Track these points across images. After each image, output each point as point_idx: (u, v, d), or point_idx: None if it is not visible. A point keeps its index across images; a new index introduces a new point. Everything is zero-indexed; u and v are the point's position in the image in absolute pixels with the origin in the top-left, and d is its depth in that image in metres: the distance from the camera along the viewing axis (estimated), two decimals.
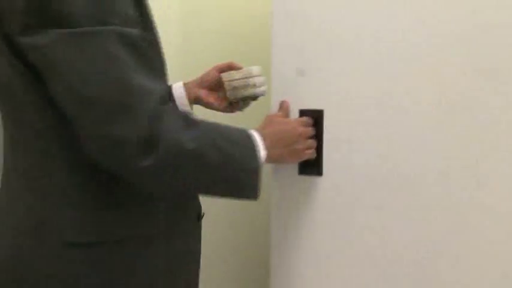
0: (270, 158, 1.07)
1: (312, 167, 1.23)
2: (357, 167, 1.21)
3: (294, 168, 1.24)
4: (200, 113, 1.24)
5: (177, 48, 1.63)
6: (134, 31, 0.89)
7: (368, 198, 1.20)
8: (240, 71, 1.25)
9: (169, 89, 1.02)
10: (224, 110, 1.30)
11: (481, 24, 1.08)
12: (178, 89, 1.27)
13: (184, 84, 1.29)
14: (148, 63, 0.91)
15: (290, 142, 1.15)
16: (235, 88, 1.24)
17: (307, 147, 1.18)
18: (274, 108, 1.24)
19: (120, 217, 0.97)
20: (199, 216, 1.14)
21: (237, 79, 1.24)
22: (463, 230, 1.11)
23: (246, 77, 1.23)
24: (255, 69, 1.23)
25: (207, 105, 1.30)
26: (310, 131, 1.20)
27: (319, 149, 1.22)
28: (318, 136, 1.22)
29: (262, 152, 1.04)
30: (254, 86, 1.23)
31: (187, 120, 0.94)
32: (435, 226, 1.14)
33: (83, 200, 0.95)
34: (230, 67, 1.27)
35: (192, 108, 1.30)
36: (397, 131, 1.18)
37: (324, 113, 1.21)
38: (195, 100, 1.30)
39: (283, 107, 1.23)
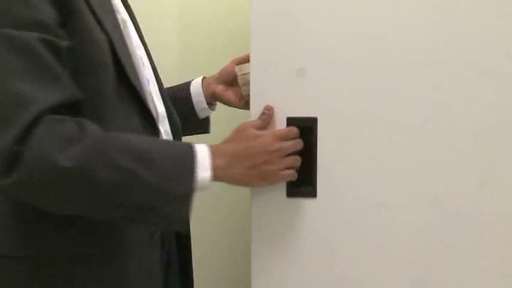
0: (228, 179, 0.93)
1: (304, 187, 1.01)
2: (356, 186, 1.01)
3: (281, 188, 1.01)
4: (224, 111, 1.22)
5: (174, 47, 1.55)
6: (30, 34, 0.82)
7: (369, 225, 1.01)
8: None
9: (76, 96, 0.87)
10: (244, 108, 1.16)
11: (480, 27, 0.99)
12: (195, 86, 1.20)
13: (204, 79, 1.21)
14: (43, 70, 0.82)
15: (258, 161, 0.94)
16: (245, 83, 1.07)
17: (283, 167, 0.96)
18: (254, 116, 1.01)
19: (52, 233, 0.91)
20: (153, 236, 0.99)
21: (246, 73, 1.06)
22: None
23: None
24: None
25: (225, 102, 1.21)
26: (292, 145, 0.97)
27: (311, 166, 1.00)
28: (310, 150, 1.00)
29: (204, 174, 0.88)
30: None
31: (72, 135, 0.82)
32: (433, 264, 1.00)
33: (16, 212, 0.91)
34: (246, 59, 1.10)
35: (212, 106, 1.25)
36: (403, 140, 1.00)
37: (317, 122, 1.00)
38: (212, 97, 1.22)
39: (264, 115, 1.00)
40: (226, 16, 1.57)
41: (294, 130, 0.99)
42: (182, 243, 1.14)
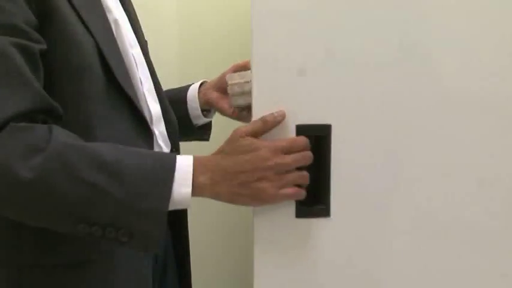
0: (214, 197, 0.83)
1: (315, 205, 0.87)
2: (375, 204, 0.88)
3: (289, 207, 0.87)
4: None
5: (175, 50, 1.54)
6: (0, 39, 0.78)
7: (391, 248, 0.88)
8: (242, 73, 1.01)
9: (47, 102, 0.81)
10: (238, 119, 1.10)
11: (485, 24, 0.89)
12: (192, 91, 1.16)
13: (202, 84, 1.17)
14: (12, 76, 0.78)
15: (251, 178, 0.81)
16: (233, 94, 1.01)
17: (282, 184, 0.82)
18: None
19: (33, 241, 0.87)
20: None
21: (235, 83, 1.01)
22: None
23: (243, 82, 0.99)
24: (250, 73, 0.91)
25: (219, 111, 1.15)
26: (296, 159, 0.83)
27: (324, 181, 0.87)
28: (323, 162, 0.86)
29: (183, 189, 0.80)
30: (248, 93, 0.90)
31: (36, 144, 0.77)
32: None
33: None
34: (246, 67, 1.06)
35: (208, 114, 1.20)
36: (428, 151, 0.88)
37: (331, 130, 0.86)
38: (207, 104, 1.17)
39: (265, 118, 0.84)
40: (226, 12, 1.55)
41: (301, 140, 0.84)
42: (179, 241, 1.09)
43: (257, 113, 0.85)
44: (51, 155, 0.76)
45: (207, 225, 1.53)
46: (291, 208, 0.87)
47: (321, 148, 0.86)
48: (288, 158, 0.82)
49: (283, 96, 0.85)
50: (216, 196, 0.83)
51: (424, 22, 0.87)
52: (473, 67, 0.89)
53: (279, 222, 0.87)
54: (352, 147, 0.87)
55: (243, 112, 1.11)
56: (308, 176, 0.84)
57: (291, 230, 0.88)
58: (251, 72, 0.86)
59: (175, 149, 1.07)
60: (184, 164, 0.81)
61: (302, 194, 0.84)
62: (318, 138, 0.86)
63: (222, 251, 1.61)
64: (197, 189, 0.81)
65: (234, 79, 1.06)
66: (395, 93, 0.87)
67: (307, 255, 0.88)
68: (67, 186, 0.77)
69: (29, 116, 0.78)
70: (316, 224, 0.88)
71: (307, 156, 0.84)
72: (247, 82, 1.02)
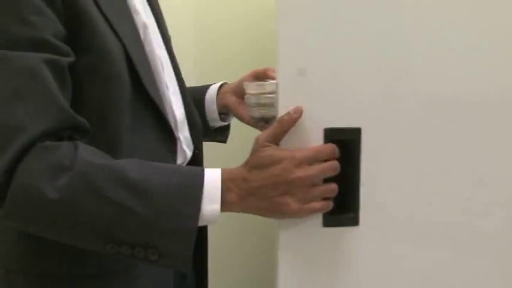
0: (242, 211, 0.80)
1: (344, 213, 0.83)
2: (407, 212, 0.83)
3: (316, 215, 0.82)
4: None
5: (189, 51, 1.53)
6: (28, 55, 0.77)
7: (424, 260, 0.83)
8: (260, 83, 0.97)
9: (75, 119, 0.80)
10: (255, 126, 1.04)
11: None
12: (211, 92, 1.12)
13: (222, 86, 1.13)
14: (39, 95, 0.77)
15: (273, 192, 0.77)
16: (249, 105, 0.97)
17: (308, 198, 0.77)
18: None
19: (57, 251, 0.85)
20: None
21: (252, 93, 0.97)
22: None
23: (259, 93, 0.94)
24: (268, 85, 0.92)
25: (237, 117, 1.11)
26: (322, 170, 0.78)
27: (353, 187, 0.82)
28: (352, 168, 0.82)
29: (212, 206, 0.77)
30: (264, 106, 0.92)
31: (62, 164, 0.76)
32: None
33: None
34: (265, 75, 1.03)
35: (226, 117, 1.16)
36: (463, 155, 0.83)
37: (361, 133, 0.82)
38: (225, 108, 1.13)
39: (279, 121, 0.79)
40: (242, 14, 1.53)
41: (328, 148, 0.79)
42: (198, 246, 1.00)
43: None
44: (76, 175, 0.75)
45: (227, 231, 1.48)
46: (318, 217, 0.82)
47: (350, 153, 0.81)
48: (312, 170, 0.77)
49: (310, 99, 0.80)
50: (243, 210, 0.80)
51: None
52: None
53: (305, 231, 0.83)
54: (383, 152, 0.82)
55: (260, 123, 1.05)
56: (336, 188, 0.79)
57: (317, 239, 0.83)
58: (270, 84, 0.85)
59: (198, 151, 1.04)
60: (212, 179, 0.78)
61: (328, 206, 0.80)
62: (346, 142, 0.81)
63: (241, 258, 1.59)
64: (225, 206, 0.78)
65: (251, 89, 1.01)
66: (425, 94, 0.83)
67: (335, 266, 0.84)
68: (93, 205, 0.75)
69: (55, 134, 0.78)
70: (345, 233, 0.83)
71: (334, 167, 0.78)
72: (264, 94, 0.97)
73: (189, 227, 0.76)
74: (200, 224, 0.77)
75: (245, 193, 0.78)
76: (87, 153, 0.78)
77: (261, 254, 1.58)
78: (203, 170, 0.79)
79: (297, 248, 0.83)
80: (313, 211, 0.79)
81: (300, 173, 0.76)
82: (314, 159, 0.78)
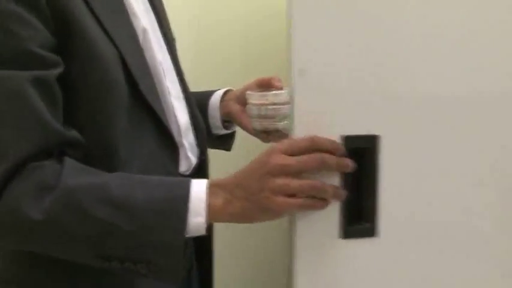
0: (230, 218, 0.76)
1: (360, 224, 0.80)
2: (426, 222, 0.81)
3: (332, 226, 0.79)
4: None
5: (189, 51, 1.46)
6: (15, 74, 0.74)
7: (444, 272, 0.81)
8: (263, 93, 0.93)
9: (65, 137, 0.79)
10: (257, 136, 1.01)
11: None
12: (215, 99, 1.09)
13: (226, 93, 1.09)
14: (27, 115, 0.76)
15: (255, 188, 0.73)
16: (250, 115, 0.95)
17: (290, 190, 0.72)
18: (299, 134, 0.77)
19: (52, 264, 0.83)
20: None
21: (253, 103, 0.93)
22: None
23: (261, 104, 0.91)
24: (271, 95, 0.89)
25: (240, 126, 1.08)
26: (301, 161, 0.72)
27: (370, 197, 0.79)
28: (369, 176, 0.79)
29: (197, 219, 0.75)
30: (265, 117, 0.89)
31: (46, 184, 0.75)
32: None
33: None
34: (270, 84, 0.98)
35: (230, 125, 1.13)
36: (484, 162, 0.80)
37: (379, 141, 0.79)
38: (226, 115, 1.10)
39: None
40: (242, 14, 1.51)
41: (320, 141, 0.73)
42: (203, 255, 1.05)
43: (299, 121, 0.77)
44: (60, 194, 0.75)
45: (233, 238, 1.45)
46: (334, 227, 0.79)
47: (367, 161, 0.78)
48: (290, 160, 0.72)
49: (325, 106, 0.77)
50: (230, 217, 0.76)
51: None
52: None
53: (320, 242, 0.80)
54: (402, 160, 0.80)
55: (262, 135, 1.01)
56: (316, 184, 0.73)
57: (334, 250, 0.80)
58: (273, 94, 0.82)
59: (203, 156, 1.01)
60: (197, 191, 0.76)
61: (322, 205, 0.75)
62: (364, 150, 0.78)
63: (247, 260, 1.54)
64: (211, 214, 0.76)
65: (253, 99, 0.97)
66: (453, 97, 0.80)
67: (352, 278, 0.81)
68: (78, 224, 0.75)
69: (45, 152, 0.77)
70: (362, 244, 0.80)
71: (317, 160, 0.72)
72: (266, 105, 0.94)
73: (175, 241, 0.75)
74: (188, 235, 0.76)
75: (230, 195, 0.75)
76: (72, 171, 0.77)
77: (267, 256, 1.56)
78: (190, 182, 0.77)
79: (312, 259, 0.80)
80: (300, 206, 0.74)
81: (277, 160, 0.72)
82: (297, 149, 0.73)
